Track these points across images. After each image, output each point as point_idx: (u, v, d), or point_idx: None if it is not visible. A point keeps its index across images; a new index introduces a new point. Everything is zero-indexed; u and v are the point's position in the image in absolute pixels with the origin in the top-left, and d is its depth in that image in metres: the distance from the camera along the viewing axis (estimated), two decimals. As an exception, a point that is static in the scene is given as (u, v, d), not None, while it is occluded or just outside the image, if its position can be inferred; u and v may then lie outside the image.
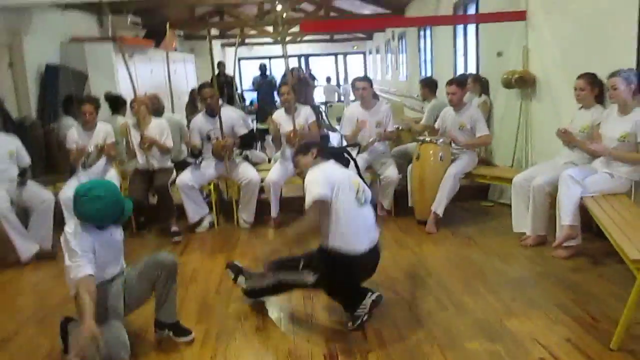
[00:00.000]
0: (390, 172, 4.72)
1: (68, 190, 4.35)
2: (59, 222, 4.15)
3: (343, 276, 2.77)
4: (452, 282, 3.37)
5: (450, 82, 4.58)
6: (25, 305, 3.44)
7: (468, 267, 3.64)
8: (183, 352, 2.69)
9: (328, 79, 16.14)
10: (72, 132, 4.64)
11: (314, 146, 3.04)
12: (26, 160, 4.43)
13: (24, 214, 4.26)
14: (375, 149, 4.81)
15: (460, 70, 7.20)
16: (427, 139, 4.54)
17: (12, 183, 4.24)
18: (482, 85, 5.55)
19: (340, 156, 3.06)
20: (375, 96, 6.02)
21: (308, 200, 2.74)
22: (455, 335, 2.70)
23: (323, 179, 2.78)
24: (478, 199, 5.19)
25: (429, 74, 9.01)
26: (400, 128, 5.55)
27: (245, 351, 2.70)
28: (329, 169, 2.89)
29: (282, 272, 2.93)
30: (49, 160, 6.60)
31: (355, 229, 2.80)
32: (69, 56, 7.60)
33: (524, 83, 4.78)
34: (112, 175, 4.63)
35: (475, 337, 2.67)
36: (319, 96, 14.30)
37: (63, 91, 7.07)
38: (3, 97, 6.35)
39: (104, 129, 4.69)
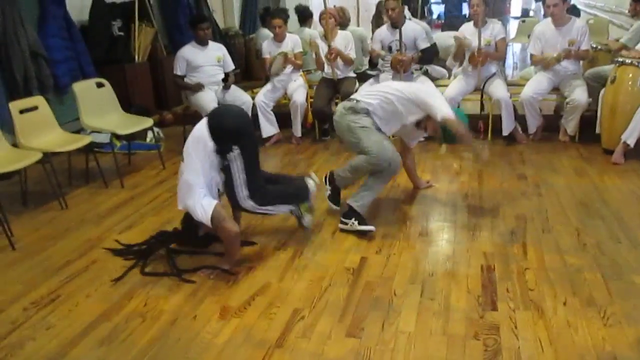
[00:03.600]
0: (579, 94, 4.40)
1: (261, 95, 4.94)
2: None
3: None
4: (630, 216, 3.19)
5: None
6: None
7: (654, 202, 3.39)
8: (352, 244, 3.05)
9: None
10: (265, 44, 5.13)
11: None
12: (231, 66, 5.06)
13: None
14: (564, 68, 4.50)
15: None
16: (627, 60, 4.11)
17: (218, 86, 4.90)
18: None
19: None
20: (574, 11, 5.50)
21: None
22: (622, 268, 2.62)
23: None
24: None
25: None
26: (598, 47, 5.05)
27: (406, 252, 2.94)
28: None
29: None
30: (247, 67, 7.35)
31: None
32: (267, -31, 8.09)
33: None
34: (299, 84, 5.05)
35: (645, 272, 2.58)
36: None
37: (262, 3, 7.66)
38: (213, 9, 7.10)
39: (292, 40, 5.09)
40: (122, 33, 5.77)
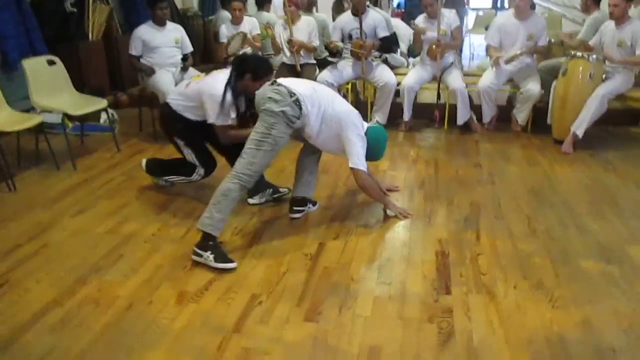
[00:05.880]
0: (532, 86, 4.53)
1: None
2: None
3: None
4: (578, 203, 3.32)
5: (614, -8, 4.16)
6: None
7: (600, 191, 3.53)
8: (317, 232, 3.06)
9: None
10: (223, 28, 5.07)
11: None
12: (189, 47, 4.94)
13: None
14: (519, 60, 4.61)
15: (636, -21, 6.35)
16: (578, 54, 4.25)
17: (176, 68, 4.79)
18: (659, -2, 4.92)
19: None
20: (532, 5, 5.62)
21: None
22: (570, 253, 2.73)
23: None
24: (629, 124, 4.82)
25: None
26: (552, 41, 5.19)
27: (363, 238, 2.98)
28: None
29: None
30: (206, 50, 7.19)
31: None
32: (227, -51, 7.89)
33: None
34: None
35: (591, 257, 2.69)
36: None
37: (222, -16, 7.45)
38: (170, -12, 6.86)
39: (250, 23, 5.11)
40: (75, 9, 5.55)
